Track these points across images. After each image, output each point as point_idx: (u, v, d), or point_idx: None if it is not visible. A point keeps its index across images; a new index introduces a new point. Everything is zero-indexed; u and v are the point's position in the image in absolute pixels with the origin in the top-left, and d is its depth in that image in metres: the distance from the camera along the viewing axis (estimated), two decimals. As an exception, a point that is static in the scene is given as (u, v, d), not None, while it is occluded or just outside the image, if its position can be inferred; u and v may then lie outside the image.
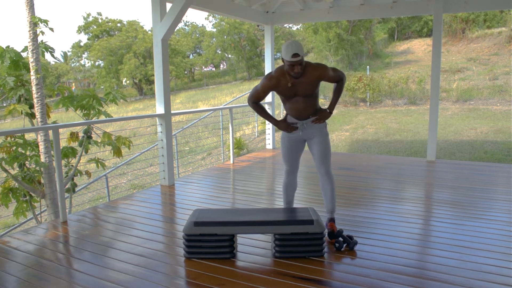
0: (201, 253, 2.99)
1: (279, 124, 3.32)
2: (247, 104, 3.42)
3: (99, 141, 5.66)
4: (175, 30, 5.02)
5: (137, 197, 4.90)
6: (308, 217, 2.98)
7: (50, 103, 6.28)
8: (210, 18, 35.93)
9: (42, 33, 5.43)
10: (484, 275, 2.68)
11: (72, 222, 3.94)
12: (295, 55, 2.92)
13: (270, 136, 7.75)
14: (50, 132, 4.65)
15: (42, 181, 5.53)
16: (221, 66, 41.88)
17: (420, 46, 26.05)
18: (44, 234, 3.68)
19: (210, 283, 2.64)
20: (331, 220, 3.36)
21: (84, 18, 36.87)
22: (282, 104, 3.39)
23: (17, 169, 5.38)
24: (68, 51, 42.60)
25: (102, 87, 33.67)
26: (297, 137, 3.35)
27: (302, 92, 3.16)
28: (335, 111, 15.02)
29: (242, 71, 34.03)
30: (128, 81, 36.67)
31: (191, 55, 42.73)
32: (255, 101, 3.33)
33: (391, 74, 18.70)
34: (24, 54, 5.75)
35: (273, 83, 3.14)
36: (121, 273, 2.82)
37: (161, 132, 5.19)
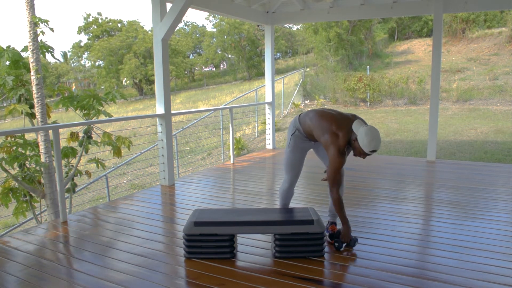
0: (201, 253, 2.99)
1: (347, 226, 3.09)
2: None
3: (99, 141, 5.66)
4: (175, 30, 5.02)
5: (137, 197, 4.90)
6: (308, 217, 2.98)
7: (50, 103, 6.27)
8: (210, 18, 35.96)
9: (42, 33, 5.43)
10: (484, 275, 2.68)
11: (72, 222, 3.94)
12: (374, 151, 2.84)
13: (270, 136, 7.75)
14: (50, 132, 4.65)
15: (42, 181, 5.53)
16: (221, 66, 41.90)
17: (420, 46, 26.05)
18: (44, 234, 3.68)
19: (210, 283, 2.64)
20: (333, 224, 3.35)
21: (84, 19, 36.92)
22: (300, 121, 3.24)
23: (17, 169, 5.38)
24: (68, 51, 42.64)
25: (102, 87, 33.70)
26: (308, 148, 3.32)
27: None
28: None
29: (242, 71, 34.04)
30: (128, 81, 36.71)
31: (191, 55, 42.76)
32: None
33: (391, 74, 18.69)
34: (24, 54, 5.76)
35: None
36: (121, 273, 2.82)
37: (161, 132, 5.19)
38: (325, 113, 3.11)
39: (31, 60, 5.42)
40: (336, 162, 2.92)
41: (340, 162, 2.92)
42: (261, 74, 29.72)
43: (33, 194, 5.45)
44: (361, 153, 2.89)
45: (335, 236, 3.18)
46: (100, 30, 36.88)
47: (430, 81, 6.36)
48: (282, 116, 15.06)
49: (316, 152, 3.39)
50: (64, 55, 44.73)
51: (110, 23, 37.20)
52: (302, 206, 4.01)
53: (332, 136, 2.93)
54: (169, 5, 4.95)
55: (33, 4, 5.44)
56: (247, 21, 11.10)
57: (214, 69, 41.59)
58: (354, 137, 2.88)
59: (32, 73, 5.39)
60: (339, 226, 3.46)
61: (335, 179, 2.97)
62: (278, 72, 25.38)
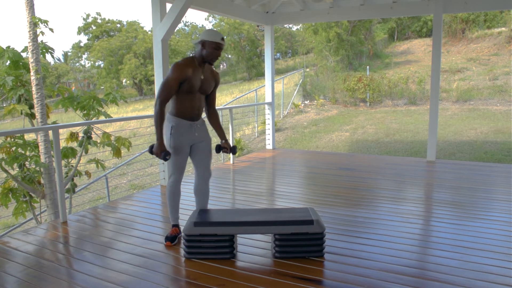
0: (201, 254, 2.99)
1: (160, 146, 3.07)
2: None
3: (99, 141, 5.66)
4: (175, 30, 5.02)
5: (137, 198, 4.90)
6: (308, 217, 2.98)
7: (50, 103, 6.27)
8: (210, 18, 36.00)
9: (42, 33, 5.43)
10: (485, 276, 2.68)
11: (72, 222, 3.94)
12: (224, 39, 3.06)
13: (270, 136, 7.75)
14: (50, 132, 4.64)
15: (42, 181, 5.52)
16: (221, 66, 41.89)
17: (420, 46, 26.04)
18: (44, 235, 3.68)
19: (210, 284, 2.63)
20: (176, 226, 3.44)
21: (84, 19, 36.94)
22: (175, 102, 3.17)
23: (17, 169, 5.37)
24: (68, 52, 42.65)
25: (102, 87, 33.69)
26: (189, 142, 3.23)
27: (207, 87, 3.24)
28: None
29: (242, 72, 34.00)
30: (128, 82, 36.68)
31: (191, 55, 42.68)
32: (166, 100, 3.05)
33: (391, 74, 18.69)
34: (24, 54, 5.75)
35: (189, 71, 3.04)
36: (121, 273, 2.82)
37: (161, 132, 5.18)
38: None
39: (30, 60, 5.41)
40: (168, 78, 3.03)
41: (170, 80, 3.02)
42: (261, 75, 29.69)
43: (33, 195, 5.45)
44: (215, 49, 3.07)
45: (170, 239, 3.28)
46: (99, 31, 36.87)
47: (430, 81, 6.36)
48: (282, 116, 15.07)
49: (195, 149, 3.31)
50: (64, 55, 44.74)
51: (110, 24, 37.21)
52: (302, 206, 4.00)
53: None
54: (169, 6, 4.94)
55: (33, 5, 5.44)
56: (247, 22, 11.12)
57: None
58: (199, 46, 3.09)
59: (32, 73, 5.39)
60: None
61: (161, 94, 3.03)
62: (278, 72, 25.38)
